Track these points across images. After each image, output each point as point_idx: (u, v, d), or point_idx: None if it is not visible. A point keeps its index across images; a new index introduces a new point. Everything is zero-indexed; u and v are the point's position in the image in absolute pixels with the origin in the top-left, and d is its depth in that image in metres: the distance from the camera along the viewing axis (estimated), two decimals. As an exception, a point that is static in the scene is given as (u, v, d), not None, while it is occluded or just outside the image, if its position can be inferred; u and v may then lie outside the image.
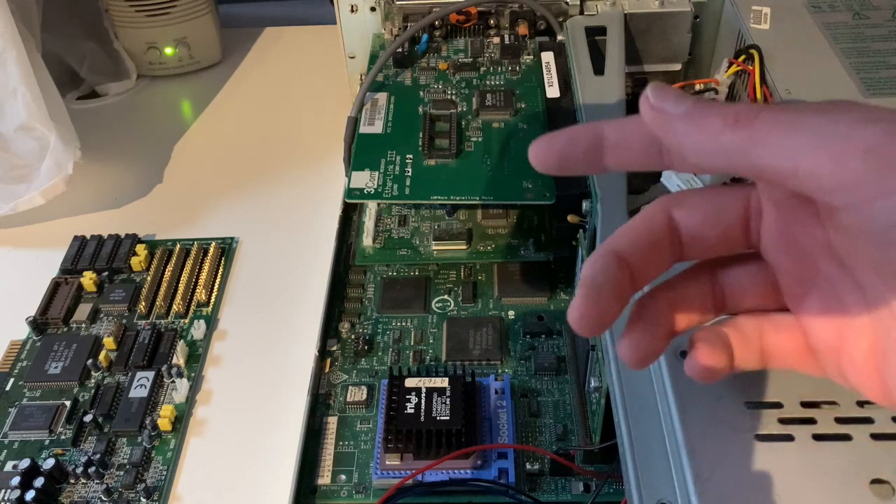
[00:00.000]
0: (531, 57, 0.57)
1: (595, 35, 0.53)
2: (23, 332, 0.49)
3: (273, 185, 0.61)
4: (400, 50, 0.56)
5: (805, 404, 0.26)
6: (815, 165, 0.19)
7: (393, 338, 0.48)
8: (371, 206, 0.55)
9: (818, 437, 0.25)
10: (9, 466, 0.42)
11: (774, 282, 0.24)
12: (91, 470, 0.41)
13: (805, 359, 0.24)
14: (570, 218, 0.43)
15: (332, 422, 0.43)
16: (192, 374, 0.47)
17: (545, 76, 0.54)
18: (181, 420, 0.44)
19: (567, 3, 0.57)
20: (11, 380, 0.47)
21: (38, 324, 0.49)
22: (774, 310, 0.25)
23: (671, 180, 0.36)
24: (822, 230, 0.22)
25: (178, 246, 0.55)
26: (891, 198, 0.19)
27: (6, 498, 0.40)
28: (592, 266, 0.23)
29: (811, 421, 0.26)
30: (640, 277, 0.23)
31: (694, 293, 0.25)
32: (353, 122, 0.52)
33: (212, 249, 0.54)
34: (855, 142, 0.19)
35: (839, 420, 0.26)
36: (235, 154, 0.65)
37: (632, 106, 0.47)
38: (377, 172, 0.48)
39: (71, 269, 0.53)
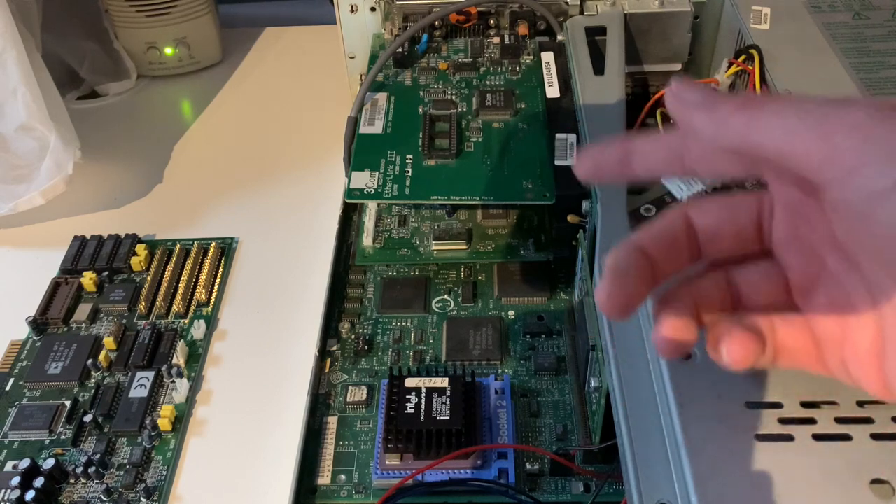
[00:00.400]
0: (531, 57, 0.57)
1: (595, 35, 0.53)
2: (23, 332, 0.49)
3: (273, 185, 0.61)
4: (400, 50, 0.56)
5: (805, 404, 0.27)
6: (805, 141, 0.21)
7: (393, 338, 0.48)
8: (371, 206, 0.55)
9: (818, 437, 0.26)
10: (9, 466, 0.42)
11: (785, 280, 0.26)
12: (91, 470, 0.41)
13: (812, 356, 0.25)
14: (570, 218, 0.43)
15: (332, 422, 0.43)
16: (192, 374, 0.47)
17: (545, 76, 0.54)
18: (181, 420, 0.44)
19: (567, 3, 0.57)
20: (11, 380, 0.47)
21: (38, 324, 0.49)
22: (785, 308, 0.26)
23: (671, 180, 0.36)
24: (827, 226, 0.23)
25: (178, 246, 0.55)
26: (870, 168, 0.20)
27: (6, 498, 0.40)
28: (615, 254, 0.25)
29: (811, 421, 0.26)
30: (660, 272, 0.25)
31: (711, 289, 0.26)
32: (353, 122, 0.52)
33: (212, 249, 0.54)
34: (841, 121, 0.21)
35: (839, 420, 0.26)
36: (235, 154, 0.65)
37: (632, 106, 0.47)
38: (377, 172, 0.48)
39: (71, 269, 0.53)
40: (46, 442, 0.43)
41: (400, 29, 0.58)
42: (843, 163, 0.21)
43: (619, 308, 0.25)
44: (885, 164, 0.20)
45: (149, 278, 0.52)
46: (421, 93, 0.54)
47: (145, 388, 0.45)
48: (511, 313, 0.49)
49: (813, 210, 0.24)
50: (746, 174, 0.26)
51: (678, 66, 0.58)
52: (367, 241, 0.53)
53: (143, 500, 0.41)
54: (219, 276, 0.53)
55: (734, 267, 0.26)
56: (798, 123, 0.22)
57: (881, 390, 0.23)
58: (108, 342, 0.48)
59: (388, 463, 0.39)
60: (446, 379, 0.41)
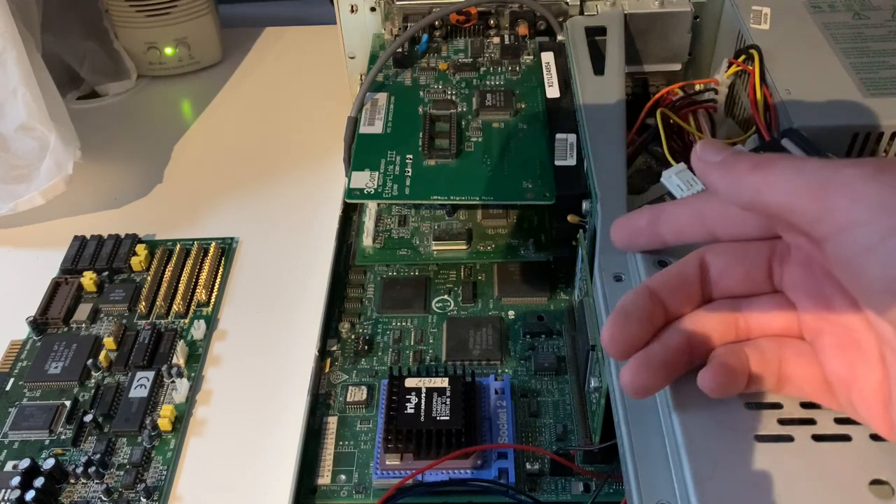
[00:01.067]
0: (531, 57, 0.57)
1: (595, 35, 0.53)
2: (23, 332, 0.49)
3: (273, 185, 0.61)
4: (400, 50, 0.56)
5: (805, 405, 0.27)
6: (802, 200, 0.23)
7: (393, 338, 0.48)
8: (371, 206, 0.55)
9: (818, 438, 0.26)
10: (9, 466, 0.42)
11: (795, 315, 0.27)
12: (91, 470, 0.41)
13: (821, 389, 0.26)
14: (570, 218, 0.43)
15: (332, 422, 0.43)
16: (192, 374, 0.47)
17: (545, 76, 0.54)
18: (181, 420, 0.44)
19: (567, 3, 0.57)
20: (11, 380, 0.47)
21: (38, 324, 0.49)
22: (795, 337, 0.27)
23: (671, 180, 0.36)
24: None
25: (178, 246, 0.55)
26: (858, 225, 0.22)
27: (6, 498, 0.40)
28: (625, 297, 0.27)
29: (811, 421, 0.26)
30: (672, 313, 0.27)
31: (714, 321, 0.27)
32: (353, 122, 0.52)
33: (212, 249, 0.54)
34: (834, 181, 0.23)
35: (839, 420, 0.26)
36: (235, 154, 0.65)
37: (632, 106, 0.47)
38: (377, 172, 0.48)
39: (71, 269, 0.53)
40: (46, 442, 0.43)
41: (400, 29, 0.58)
42: (834, 221, 0.22)
43: (621, 349, 0.26)
44: (872, 222, 0.21)
45: (149, 278, 0.52)
46: (421, 93, 0.54)
47: (145, 388, 0.45)
48: (511, 313, 0.49)
49: (822, 257, 0.25)
50: (762, 234, 0.27)
51: (678, 66, 0.58)
52: (367, 241, 0.53)
53: (143, 500, 0.41)
54: (219, 276, 0.53)
55: (744, 300, 0.27)
56: (798, 183, 0.23)
57: (887, 432, 0.24)
58: (108, 342, 0.48)
59: (388, 463, 0.39)
60: (446, 379, 0.41)
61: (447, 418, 0.39)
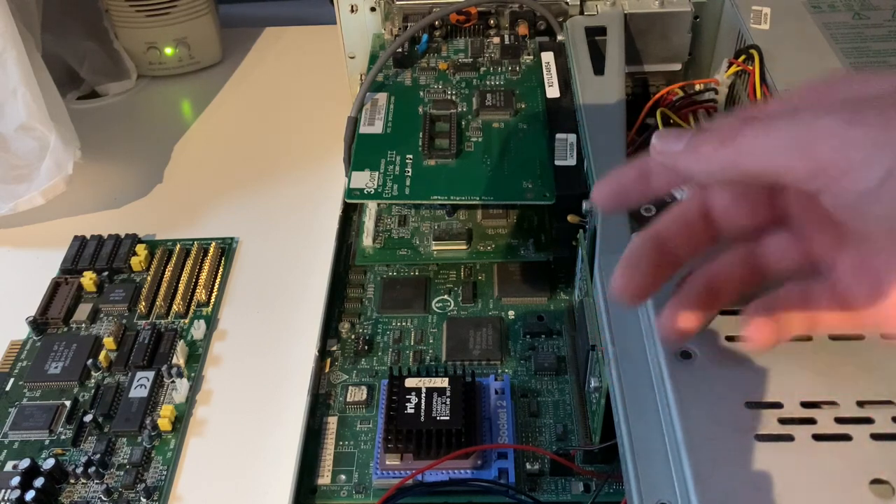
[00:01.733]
0: (531, 57, 0.57)
1: (595, 35, 0.54)
2: (23, 332, 0.49)
3: (273, 185, 0.61)
4: (400, 50, 0.56)
5: (805, 404, 0.27)
6: (788, 160, 0.22)
7: (393, 338, 0.48)
8: (371, 206, 0.55)
9: (818, 437, 0.26)
10: (9, 466, 0.42)
11: (808, 246, 0.26)
12: (91, 470, 0.41)
13: (851, 320, 0.25)
14: (570, 218, 0.43)
15: (332, 422, 0.43)
16: (192, 374, 0.47)
17: (545, 76, 0.54)
18: (181, 420, 0.44)
19: (567, 3, 0.57)
20: (11, 380, 0.47)
21: (38, 324, 0.49)
22: (811, 274, 0.26)
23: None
24: None
25: (178, 246, 0.55)
26: (853, 172, 0.21)
27: (6, 498, 0.40)
28: (631, 245, 0.26)
29: (811, 421, 0.26)
30: (681, 255, 0.27)
31: (731, 266, 0.27)
32: (353, 122, 0.52)
33: (212, 249, 0.54)
34: (815, 133, 0.22)
35: (839, 420, 0.26)
36: (235, 154, 0.65)
37: (632, 106, 0.47)
38: (377, 172, 0.48)
39: (71, 269, 0.53)
40: (46, 442, 0.43)
41: (400, 29, 0.58)
42: (827, 173, 0.22)
43: (632, 296, 0.26)
44: (866, 166, 0.21)
45: (149, 278, 0.52)
46: (421, 93, 0.54)
47: (145, 388, 0.45)
48: (511, 313, 0.49)
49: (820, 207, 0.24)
50: (770, 217, 0.26)
51: (678, 66, 0.58)
52: (367, 241, 0.53)
53: (143, 500, 0.41)
54: (219, 276, 0.53)
55: (755, 244, 0.27)
56: (775, 143, 0.22)
57: None
58: (108, 342, 0.48)
59: (388, 463, 0.39)
60: (446, 379, 0.41)
61: (447, 418, 0.39)
